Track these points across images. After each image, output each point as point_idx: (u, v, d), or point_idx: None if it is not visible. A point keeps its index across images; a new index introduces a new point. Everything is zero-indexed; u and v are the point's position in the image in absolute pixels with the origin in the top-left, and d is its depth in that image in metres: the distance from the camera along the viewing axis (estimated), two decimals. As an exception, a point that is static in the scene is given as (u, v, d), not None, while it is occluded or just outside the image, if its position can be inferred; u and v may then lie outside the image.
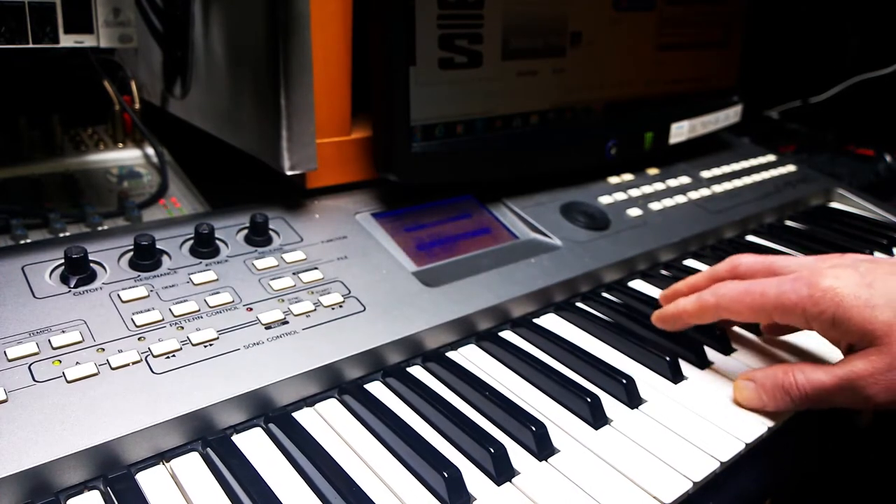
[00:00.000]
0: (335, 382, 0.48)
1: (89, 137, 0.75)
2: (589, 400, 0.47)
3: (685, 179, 0.85)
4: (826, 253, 0.55)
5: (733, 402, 0.50)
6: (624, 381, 0.49)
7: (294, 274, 0.53)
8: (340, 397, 0.48)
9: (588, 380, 0.51)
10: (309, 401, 0.47)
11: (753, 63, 1.10)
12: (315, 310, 0.51)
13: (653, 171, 0.85)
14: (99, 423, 0.39)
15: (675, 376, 0.52)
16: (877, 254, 0.76)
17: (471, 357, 0.54)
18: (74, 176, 0.68)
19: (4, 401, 0.39)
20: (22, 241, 0.56)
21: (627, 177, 0.82)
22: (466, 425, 0.44)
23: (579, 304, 0.62)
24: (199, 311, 0.48)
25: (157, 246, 0.52)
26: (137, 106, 0.77)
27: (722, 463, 0.44)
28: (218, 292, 0.50)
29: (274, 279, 0.52)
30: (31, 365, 0.41)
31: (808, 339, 0.57)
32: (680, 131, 0.87)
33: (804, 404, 0.47)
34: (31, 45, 0.49)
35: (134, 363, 0.43)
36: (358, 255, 0.57)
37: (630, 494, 0.41)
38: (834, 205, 0.94)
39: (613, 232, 0.70)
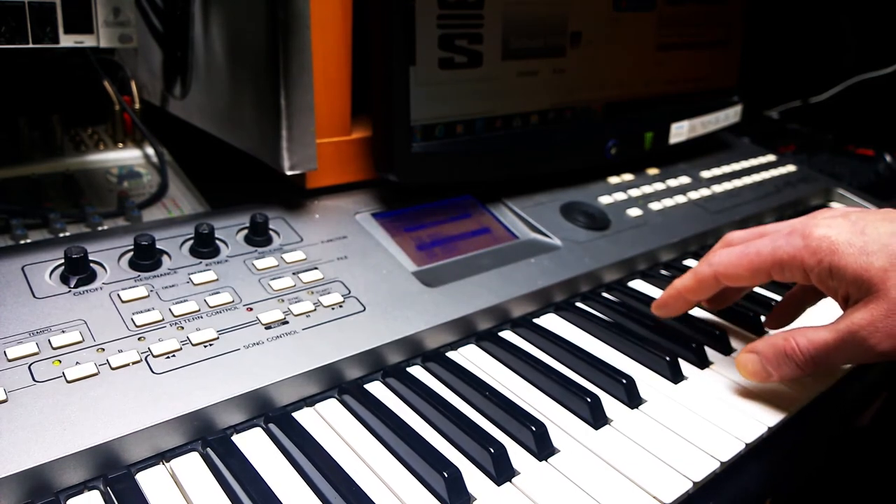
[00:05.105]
0: (335, 382, 0.48)
1: (89, 137, 0.75)
2: (589, 400, 0.47)
3: (685, 179, 0.85)
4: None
5: (740, 376, 0.49)
6: (624, 381, 0.49)
7: (294, 274, 0.53)
8: (340, 397, 0.48)
9: (588, 380, 0.52)
10: (309, 401, 0.47)
11: (753, 63, 1.10)
12: (315, 310, 0.51)
13: (653, 171, 0.85)
14: (99, 423, 0.39)
15: (675, 376, 0.52)
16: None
17: (471, 357, 0.54)
18: (74, 176, 0.67)
19: (4, 401, 0.39)
20: (22, 241, 0.56)
21: (627, 177, 0.82)
22: (466, 425, 0.44)
23: (579, 304, 0.62)
24: (199, 311, 0.48)
25: (157, 246, 0.52)
26: (137, 106, 0.77)
27: (722, 463, 0.44)
28: (218, 292, 0.50)
29: (274, 279, 0.52)
30: (30, 365, 0.41)
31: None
32: (680, 131, 0.87)
33: (809, 367, 0.46)
34: (31, 45, 0.49)
35: (134, 363, 0.43)
36: (358, 255, 0.57)
37: (630, 494, 0.41)
38: (834, 205, 0.94)
39: (613, 232, 0.70)
